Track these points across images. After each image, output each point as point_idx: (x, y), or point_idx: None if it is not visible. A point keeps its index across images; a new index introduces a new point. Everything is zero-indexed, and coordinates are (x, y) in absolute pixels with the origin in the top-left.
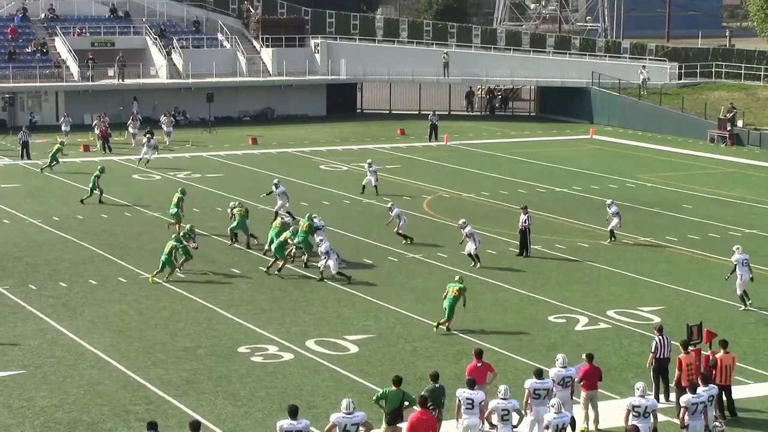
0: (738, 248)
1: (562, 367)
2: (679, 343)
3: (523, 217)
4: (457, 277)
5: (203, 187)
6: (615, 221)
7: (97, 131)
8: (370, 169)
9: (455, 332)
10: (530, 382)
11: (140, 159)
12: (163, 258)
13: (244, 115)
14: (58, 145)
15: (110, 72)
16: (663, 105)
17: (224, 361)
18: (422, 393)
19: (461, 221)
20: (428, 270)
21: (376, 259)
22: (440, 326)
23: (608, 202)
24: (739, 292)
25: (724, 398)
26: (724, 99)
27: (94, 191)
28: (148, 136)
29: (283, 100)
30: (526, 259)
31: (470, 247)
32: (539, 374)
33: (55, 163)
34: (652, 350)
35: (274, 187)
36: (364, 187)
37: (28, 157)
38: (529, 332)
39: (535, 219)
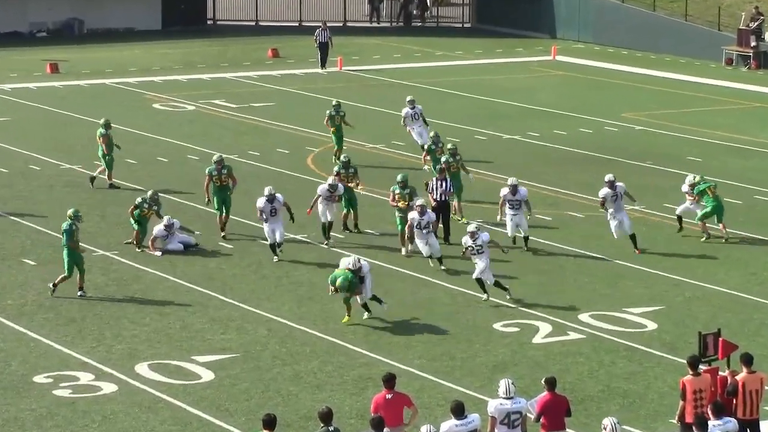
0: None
1: (507, 398)
2: (686, 361)
3: (439, 185)
4: None
5: None
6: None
7: None
8: (413, 110)
9: (356, 348)
10: (448, 425)
11: None
12: None
13: (37, 30)
14: None
15: None
16: (657, 10)
17: (14, 397)
18: None
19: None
20: (317, 255)
21: (238, 242)
22: None
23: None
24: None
25: None
26: (746, 1)
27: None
28: None
29: (95, 6)
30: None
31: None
32: (458, 412)
33: None
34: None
35: None
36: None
37: None
38: (466, 347)
39: (474, 180)
